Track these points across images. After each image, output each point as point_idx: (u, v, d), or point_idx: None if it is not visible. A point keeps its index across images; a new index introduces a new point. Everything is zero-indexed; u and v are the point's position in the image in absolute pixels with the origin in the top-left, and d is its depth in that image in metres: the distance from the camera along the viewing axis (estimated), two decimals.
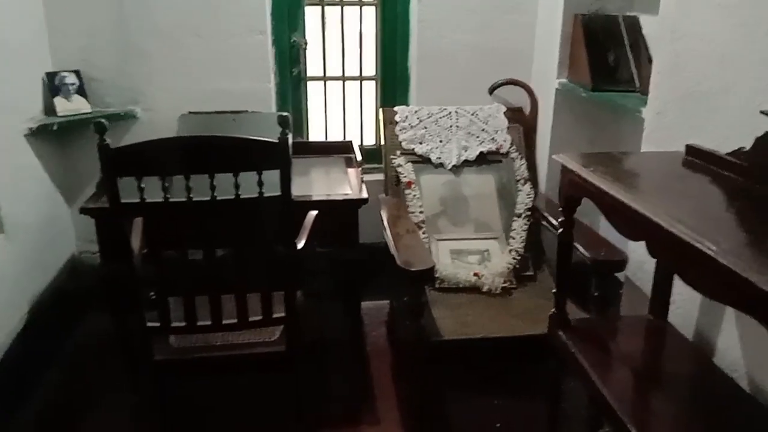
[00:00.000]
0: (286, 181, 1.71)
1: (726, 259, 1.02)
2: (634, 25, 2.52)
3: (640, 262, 2.01)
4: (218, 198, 1.69)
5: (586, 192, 1.50)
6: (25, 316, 2.55)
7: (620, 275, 2.15)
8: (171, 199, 1.69)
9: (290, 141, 1.69)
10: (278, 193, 1.73)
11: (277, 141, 1.67)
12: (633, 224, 1.29)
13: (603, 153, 1.77)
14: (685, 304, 1.79)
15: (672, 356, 1.74)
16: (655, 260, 1.74)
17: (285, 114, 1.71)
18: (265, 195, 1.71)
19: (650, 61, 2.34)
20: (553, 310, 1.78)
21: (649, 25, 2.46)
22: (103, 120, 1.59)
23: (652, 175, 1.56)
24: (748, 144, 1.44)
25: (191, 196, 1.68)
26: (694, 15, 1.78)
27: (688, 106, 1.80)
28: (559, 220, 1.67)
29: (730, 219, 1.30)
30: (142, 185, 1.67)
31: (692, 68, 1.79)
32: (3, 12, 2.43)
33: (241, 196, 1.70)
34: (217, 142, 1.68)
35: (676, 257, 1.21)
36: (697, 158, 1.59)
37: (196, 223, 1.75)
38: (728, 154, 1.47)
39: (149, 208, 1.70)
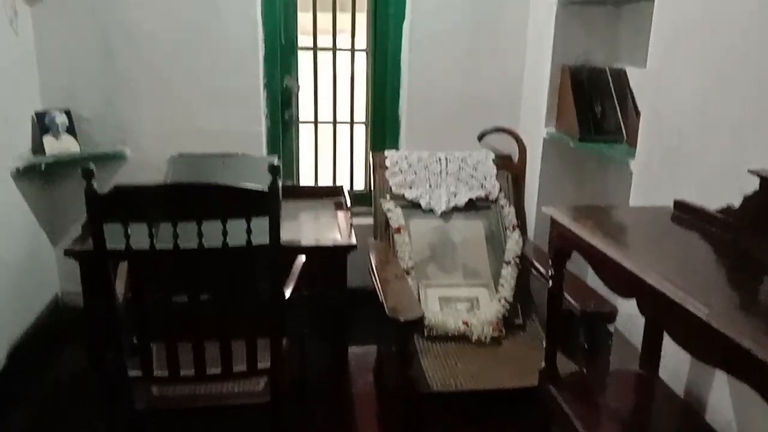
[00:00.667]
0: (275, 230, 1.70)
1: (718, 323, 1.01)
2: (620, 78, 2.56)
3: (629, 314, 2.00)
4: (206, 246, 1.67)
5: (576, 246, 1.50)
6: (4, 359, 2.49)
7: (610, 325, 2.14)
8: (157, 247, 1.66)
9: (280, 189, 1.68)
10: (267, 240, 1.71)
11: (266, 189, 1.66)
12: (623, 281, 1.29)
13: (592, 206, 1.78)
14: (676, 358, 1.78)
15: (662, 412, 1.72)
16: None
17: (276, 163, 1.70)
18: (254, 243, 1.69)
19: (637, 112, 2.37)
20: (543, 364, 1.76)
21: (635, 77, 2.51)
22: (90, 165, 1.58)
23: (641, 230, 1.56)
24: (734, 200, 1.45)
25: (178, 243, 1.66)
26: (677, 71, 1.82)
27: (673, 160, 1.82)
28: (550, 273, 1.67)
29: (720, 278, 1.30)
30: (129, 231, 1.64)
31: (675, 123, 1.83)
32: None
33: (229, 245, 1.68)
34: (206, 189, 1.66)
35: (666, 317, 1.20)
36: (685, 213, 1.59)
37: (183, 270, 1.72)
38: (717, 211, 1.48)
39: (135, 254, 1.67)
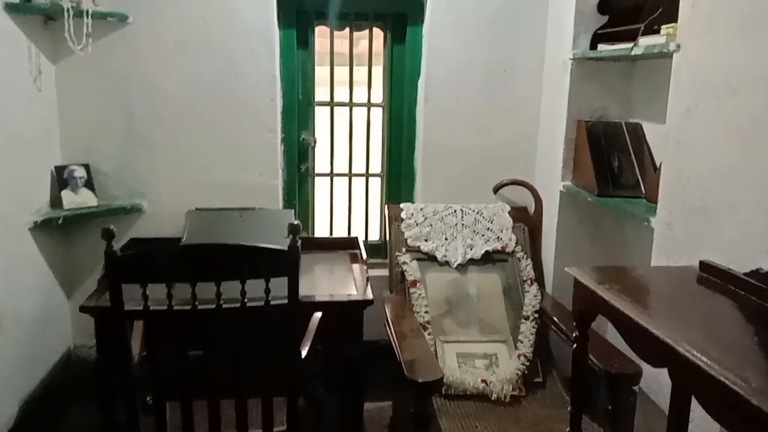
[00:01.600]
0: (293, 290, 1.68)
1: (758, 401, 0.98)
2: (637, 132, 2.56)
3: (654, 374, 1.95)
4: (223, 306, 1.65)
5: (602, 310, 1.47)
6: (16, 413, 2.46)
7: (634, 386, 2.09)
8: (175, 307, 1.65)
9: (299, 249, 1.67)
10: (285, 299, 1.70)
11: (286, 249, 1.65)
12: (654, 351, 1.25)
13: (616, 267, 1.75)
14: (705, 423, 1.72)
15: None
16: None
17: (296, 222, 1.69)
18: (272, 303, 1.68)
19: (655, 167, 2.37)
20: (567, 429, 1.71)
21: (652, 132, 2.51)
22: (111, 226, 1.58)
23: (668, 293, 1.53)
24: (762, 263, 1.42)
25: (196, 303, 1.64)
26: (697, 130, 1.82)
27: (697, 219, 1.80)
28: (574, 335, 1.63)
29: (754, 348, 1.26)
30: (147, 291, 1.63)
31: (697, 182, 1.81)
32: (18, 106, 2.48)
33: (247, 305, 1.66)
34: (226, 250, 1.65)
35: (700, 389, 1.16)
36: (712, 275, 1.57)
37: (200, 329, 1.71)
38: (746, 274, 1.45)
39: (153, 315, 1.66)
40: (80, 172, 2.76)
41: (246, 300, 1.66)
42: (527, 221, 2.88)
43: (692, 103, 1.84)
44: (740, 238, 1.62)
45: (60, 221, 2.63)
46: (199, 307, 1.65)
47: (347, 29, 3.02)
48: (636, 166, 2.48)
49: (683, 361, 1.15)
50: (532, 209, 2.93)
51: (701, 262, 1.61)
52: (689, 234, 1.84)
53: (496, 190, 3.00)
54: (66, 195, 2.71)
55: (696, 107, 1.83)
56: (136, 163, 2.86)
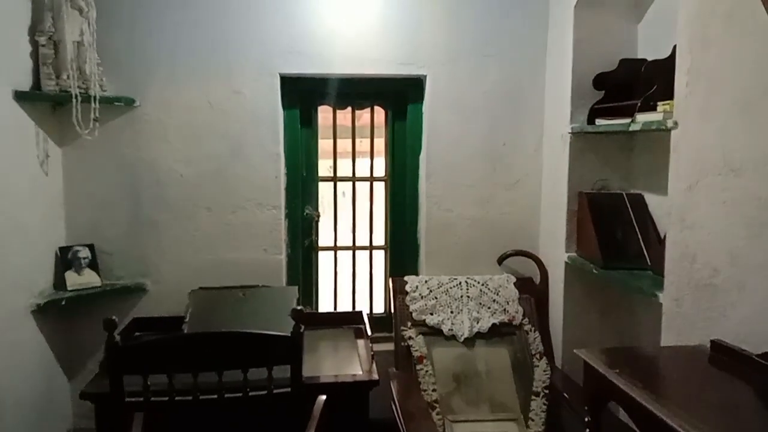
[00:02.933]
0: (297, 376, 1.66)
1: None
2: (639, 203, 2.57)
3: None
4: (226, 396, 1.62)
5: (615, 396, 1.43)
6: None
7: None
8: (177, 398, 1.61)
9: (303, 336, 1.65)
10: (288, 386, 1.67)
11: (289, 335, 1.63)
12: None
13: (626, 348, 1.72)
14: None
15: None
16: None
17: (299, 307, 1.68)
18: (275, 392, 1.64)
19: (659, 239, 2.36)
20: None
21: (654, 202, 2.51)
22: (113, 317, 1.57)
23: (680, 377, 1.49)
24: None
25: (198, 393, 1.61)
26: (701, 207, 1.82)
27: (706, 297, 1.78)
28: (586, 419, 1.58)
29: None
30: (148, 382, 1.61)
31: (704, 260, 1.80)
32: (25, 190, 2.52)
33: (250, 394, 1.63)
34: (228, 339, 1.64)
35: None
36: (724, 355, 1.53)
37: (202, 419, 1.67)
38: (759, 355, 1.42)
39: (154, 406, 1.62)
40: (84, 253, 2.77)
41: (248, 389, 1.63)
42: (533, 292, 2.85)
43: (693, 181, 1.85)
44: (752, 316, 1.60)
45: (63, 303, 2.62)
46: (201, 397, 1.62)
47: (349, 107, 3.08)
48: (640, 236, 2.48)
49: None
50: (537, 280, 2.91)
51: (713, 342, 1.58)
52: (699, 311, 1.81)
53: (500, 261, 2.99)
54: (70, 276, 2.71)
55: (697, 184, 1.83)
56: (141, 244, 2.87)
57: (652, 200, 2.54)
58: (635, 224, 2.52)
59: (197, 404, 1.62)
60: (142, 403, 1.61)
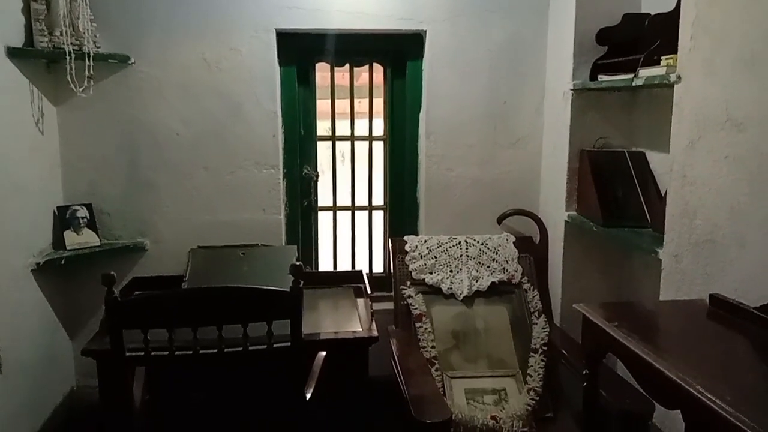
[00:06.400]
0: (297, 332, 1.66)
1: None
2: (640, 161, 2.55)
3: (667, 410, 1.91)
4: (226, 350, 1.63)
5: (612, 349, 1.44)
6: None
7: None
8: (177, 352, 1.62)
9: (302, 291, 1.65)
10: (288, 341, 1.67)
11: (288, 290, 1.63)
12: (666, 392, 1.22)
13: (625, 303, 1.72)
14: None
15: None
16: None
17: (298, 262, 1.68)
18: (275, 346, 1.65)
19: (660, 196, 2.35)
20: None
21: (656, 160, 2.49)
22: (112, 272, 1.57)
23: (679, 330, 1.50)
24: None
25: (198, 348, 1.62)
26: (702, 163, 1.80)
27: (705, 252, 1.78)
28: (584, 372, 1.59)
29: None
30: (148, 336, 1.61)
31: (704, 216, 1.79)
32: (21, 149, 2.49)
33: (250, 348, 1.64)
34: (228, 293, 1.64)
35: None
36: (722, 310, 1.54)
37: (202, 373, 1.68)
38: (757, 308, 1.42)
39: (154, 360, 1.63)
40: (83, 213, 2.76)
41: (248, 344, 1.64)
42: (533, 251, 2.85)
43: (695, 136, 1.83)
44: (751, 271, 1.60)
45: (62, 262, 2.62)
46: (201, 351, 1.63)
47: (347, 65, 3.03)
48: (641, 194, 2.46)
49: (697, 404, 1.12)
50: (537, 239, 2.91)
51: (711, 297, 1.58)
52: (698, 267, 1.81)
53: (500, 220, 2.98)
54: (68, 235, 2.70)
55: (699, 140, 1.82)
56: (139, 203, 2.86)
57: (653, 158, 2.52)
58: (636, 182, 2.50)
59: (197, 359, 1.62)
60: (143, 357, 1.62)
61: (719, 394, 1.10)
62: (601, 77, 2.47)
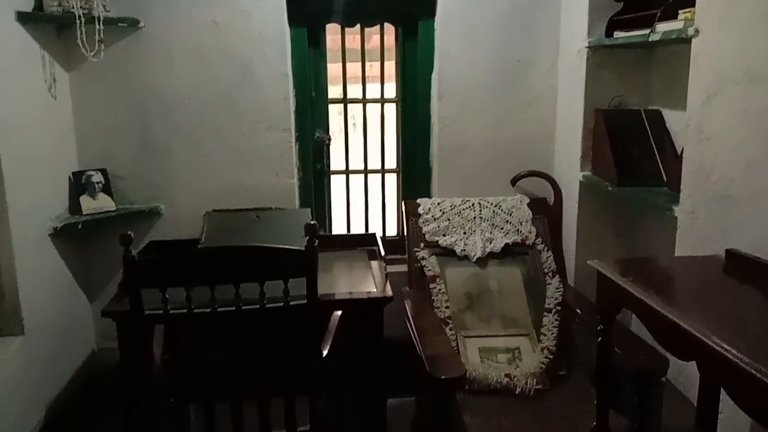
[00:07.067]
0: (312, 290, 1.67)
1: None
2: (656, 119, 2.52)
3: (681, 366, 1.92)
4: (243, 308, 1.65)
5: (626, 303, 1.44)
6: (42, 419, 2.48)
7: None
8: (195, 310, 1.65)
9: (317, 249, 1.66)
10: (304, 300, 1.69)
11: (304, 249, 1.64)
12: (682, 344, 1.22)
13: (640, 259, 1.72)
14: (736, 415, 1.68)
15: None
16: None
17: (312, 221, 1.68)
18: (291, 303, 1.67)
19: (676, 155, 2.32)
20: (593, 424, 1.68)
21: (672, 119, 2.46)
22: (129, 232, 1.58)
23: (694, 284, 1.50)
24: None
25: (216, 306, 1.64)
26: (719, 119, 1.78)
27: (721, 209, 1.76)
28: (598, 328, 1.60)
29: None
30: (166, 295, 1.63)
31: (720, 172, 1.77)
32: (35, 115, 2.50)
33: (267, 306, 1.66)
34: (244, 252, 1.65)
35: (731, 383, 1.13)
36: (738, 265, 1.53)
37: (220, 331, 1.71)
38: None
39: (173, 319, 1.66)
40: (97, 178, 2.78)
41: (265, 301, 1.66)
42: (547, 213, 2.84)
43: (712, 91, 1.80)
44: (767, 226, 1.58)
45: (79, 226, 2.65)
46: (219, 309, 1.65)
47: (358, 26, 2.99)
48: (657, 154, 2.44)
49: (712, 355, 1.12)
50: (551, 200, 2.90)
51: (727, 252, 1.57)
52: (714, 223, 1.80)
53: (514, 182, 2.97)
54: (84, 200, 2.73)
55: (716, 95, 1.79)
56: (152, 168, 2.87)
57: (669, 116, 2.49)
58: (652, 141, 2.47)
59: (215, 316, 1.65)
60: (162, 315, 1.65)
61: (735, 345, 1.10)
62: (617, 34, 2.43)
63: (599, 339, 1.62)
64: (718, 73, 1.78)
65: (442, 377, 1.87)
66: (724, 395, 1.70)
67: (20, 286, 2.35)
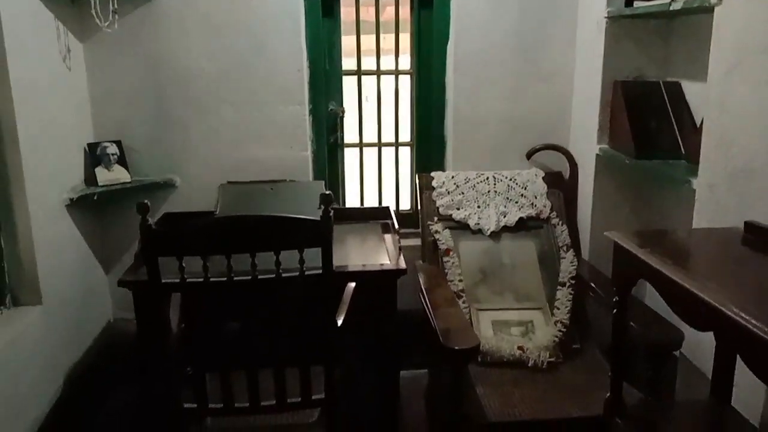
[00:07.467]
0: (327, 259, 1.68)
1: None
2: (675, 91, 2.47)
3: (695, 339, 1.91)
4: (259, 277, 1.66)
5: (643, 274, 1.43)
6: (60, 388, 2.52)
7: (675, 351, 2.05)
8: (211, 279, 1.66)
9: (332, 219, 1.66)
10: (319, 269, 1.70)
11: (319, 219, 1.65)
12: (700, 314, 1.21)
13: (658, 231, 1.71)
14: (751, 387, 1.68)
15: None
16: (713, 339, 1.65)
17: (327, 191, 1.68)
18: (307, 273, 1.68)
19: (695, 127, 2.29)
20: (608, 394, 1.68)
21: (691, 91, 2.42)
22: (145, 200, 1.59)
23: (712, 255, 1.48)
24: None
25: (232, 275, 1.65)
26: (741, 90, 1.74)
27: (741, 181, 1.74)
28: (614, 299, 1.59)
29: None
30: (183, 264, 1.65)
31: (742, 144, 1.74)
32: (50, 85, 2.50)
33: (282, 275, 1.67)
34: (260, 222, 1.65)
35: (749, 352, 1.13)
36: (757, 236, 1.51)
37: (236, 300, 1.72)
38: None
39: (190, 287, 1.67)
40: (113, 149, 2.79)
41: (281, 270, 1.66)
42: (562, 187, 2.82)
43: (735, 61, 1.76)
44: None
45: (95, 198, 2.67)
46: (235, 278, 1.66)
47: None
48: (675, 126, 2.40)
49: (731, 324, 1.12)
50: (567, 174, 2.87)
51: (746, 223, 1.55)
52: (733, 196, 1.77)
53: (529, 155, 2.94)
54: (100, 172, 2.74)
55: (738, 66, 1.75)
56: (167, 140, 2.87)
57: (689, 88, 2.45)
58: (671, 113, 2.44)
59: (232, 285, 1.66)
60: (179, 284, 1.66)
61: (754, 314, 1.09)
62: (637, 3, 2.38)
63: (615, 311, 1.61)
64: (740, 44, 1.74)
65: (456, 348, 1.87)
66: (739, 369, 1.69)
67: (38, 256, 2.37)
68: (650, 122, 2.43)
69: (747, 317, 1.09)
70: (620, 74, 2.57)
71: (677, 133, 2.39)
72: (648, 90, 2.50)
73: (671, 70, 2.56)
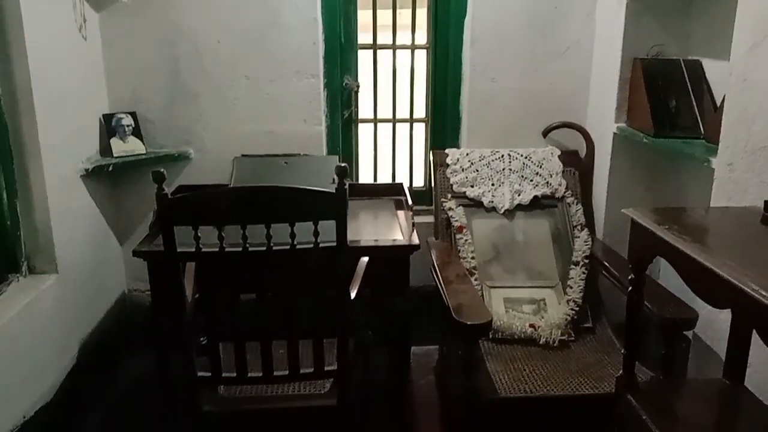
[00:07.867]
0: (342, 231, 1.68)
1: None
2: (696, 70, 2.44)
3: (709, 319, 1.90)
4: (274, 248, 1.66)
5: (661, 251, 1.42)
6: (75, 356, 2.56)
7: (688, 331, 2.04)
8: (227, 249, 1.66)
9: (347, 192, 1.66)
10: (333, 242, 1.70)
11: (334, 191, 1.64)
12: (718, 291, 1.20)
13: (675, 209, 1.69)
14: (766, 367, 1.67)
15: (751, 425, 1.62)
16: (728, 319, 1.64)
17: (342, 164, 1.67)
18: (321, 245, 1.68)
19: (715, 107, 2.26)
20: (620, 371, 1.68)
21: (712, 69, 2.38)
22: (161, 169, 1.59)
23: (731, 233, 1.47)
24: None
25: (247, 245, 1.66)
26: (763, 68, 1.71)
27: (760, 160, 1.71)
28: (630, 277, 1.58)
29: None
30: (198, 233, 1.65)
31: (762, 122, 1.71)
32: (65, 55, 2.50)
33: (297, 246, 1.67)
34: (276, 192, 1.65)
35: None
36: None
37: (251, 271, 1.73)
38: None
39: (205, 256, 1.68)
40: (128, 120, 2.79)
41: (295, 242, 1.67)
42: (578, 165, 2.80)
43: (759, 37, 1.73)
44: None
45: (110, 168, 2.68)
46: (250, 249, 1.66)
47: None
48: (695, 105, 2.37)
49: (750, 301, 1.11)
50: (583, 153, 2.85)
51: (766, 202, 1.53)
52: (752, 175, 1.75)
53: (545, 133, 2.92)
54: (115, 143, 2.75)
55: (763, 42, 1.72)
56: (182, 112, 2.87)
57: (709, 66, 2.41)
58: (691, 92, 2.40)
59: (246, 255, 1.66)
60: (194, 253, 1.67)
61: None
62: None
63: (630, 288, 1.60)
64: (764, 19, 1.71)
65: (468, 323, 1.88)
66: (753, 349, 1.68)
67: (53, 225, 2.39)
68: (670, 101, 2.40)
69: (766, 294, 1.08)
70: (640, 51, 2.53)
71: (697, 112, 2.36)
72: (668, 68, 2.46)
73: (692, 47, 2.52)
